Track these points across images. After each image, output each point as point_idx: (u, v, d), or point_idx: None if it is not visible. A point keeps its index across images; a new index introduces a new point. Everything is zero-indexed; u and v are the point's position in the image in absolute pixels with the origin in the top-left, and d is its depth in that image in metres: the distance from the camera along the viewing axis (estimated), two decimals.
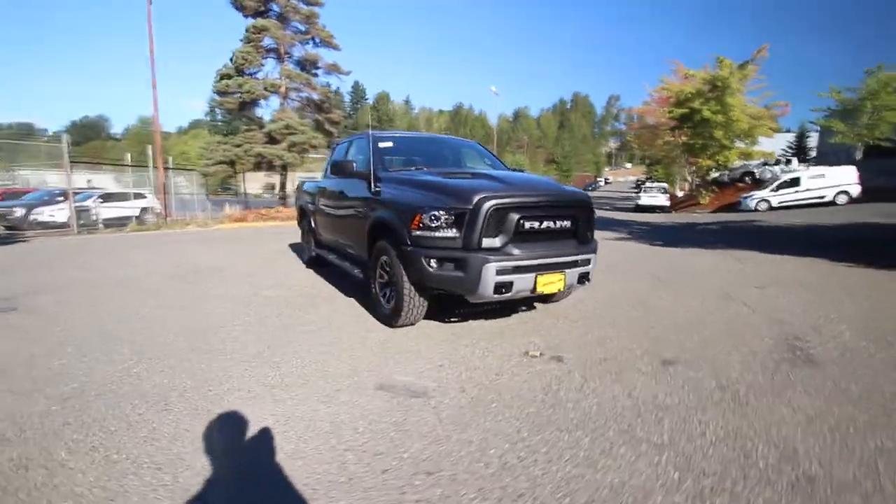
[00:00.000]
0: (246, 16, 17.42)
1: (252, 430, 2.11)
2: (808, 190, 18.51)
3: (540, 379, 2.70)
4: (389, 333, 3.53)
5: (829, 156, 33.83)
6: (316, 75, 19.10)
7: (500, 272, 3.08)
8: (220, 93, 16.31)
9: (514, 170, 5.18)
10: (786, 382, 2.66)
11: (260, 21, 16.46)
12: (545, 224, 3.32)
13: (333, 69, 18.82)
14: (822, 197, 18.37)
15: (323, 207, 5.52)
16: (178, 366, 2.87)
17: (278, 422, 2.19)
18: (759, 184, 23.31)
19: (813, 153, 39.98)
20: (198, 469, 1.82)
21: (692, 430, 2.14)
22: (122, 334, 3.49)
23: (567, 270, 3.37)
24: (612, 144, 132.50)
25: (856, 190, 18.07)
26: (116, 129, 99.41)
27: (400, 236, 3.35)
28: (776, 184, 19.52)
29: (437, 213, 3.13)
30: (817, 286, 5.34)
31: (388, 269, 3.69)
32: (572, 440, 2.04)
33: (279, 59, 18.11)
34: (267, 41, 16.93)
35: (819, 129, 42.41)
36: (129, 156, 14.11)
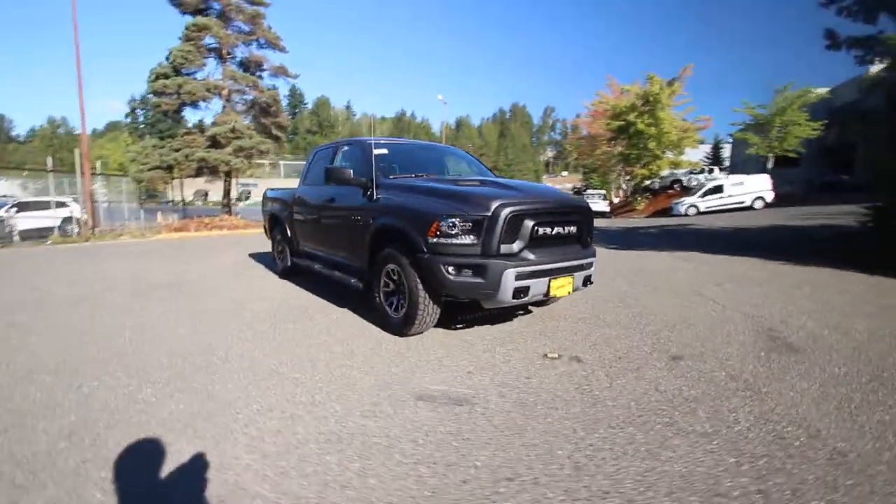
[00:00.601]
0: (184, 13, 16.35)
1: (306, 452, 2.00)
2: (730, 196, 20.49)
3: (569, 380, 2.78)
4: (402, 343, 3.46)
5: (740, 165, 37.86)
6: (261, 77, 18.32)
7: (518, 277, 3.14)
8: (157, 93, 15.08)
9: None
10: (782, 369, 2.94)
11: (201, 19, 15.48)
12: (556, 230, 3.44)
13: (280, 72, 18.13)
14: (742, 202, 20.41)
15: (305, 216, 5.32)
16: (189, 388, 2.64)
17: (329, 441, 2.08)
18: (686, 191, 25.44)
19: (727, 163, 44.37)
20: (271, 499, 1.70)
21: (725, 417, 2.31)
22: (108, 357, 3.14)
23: (575, 274, 3.51)
24: (549, 153, 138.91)
25: (770, 196, 20.27)
26: (19, 130, 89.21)
27: (414, 244, 3.32)
28: (703, 191, 21.42)
29: (455, 220, 3.14)
30: (765, 282, 5.93)
31: (394, 277, 3.63)
32: (627, 436, 2.13)
33: (221, 59, 17.14)
34: (209, 40, 15.97)
35: (732, 140, 47.14)
36: (49, 160, 12.63)
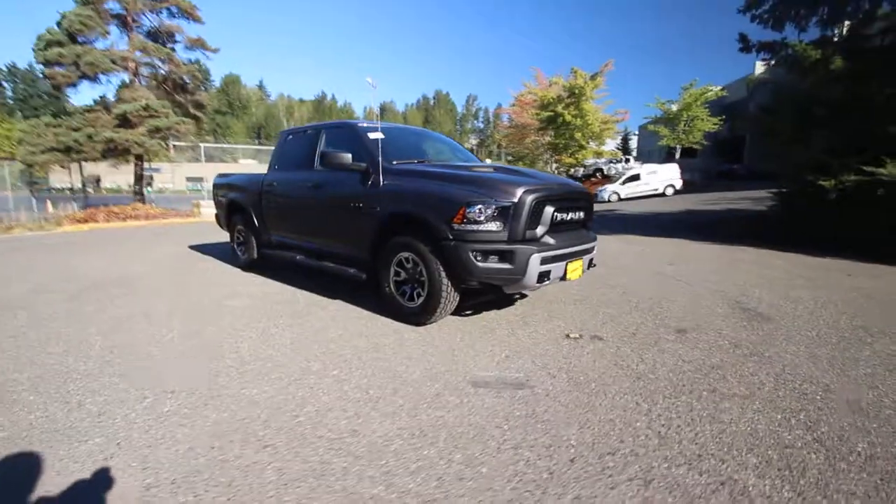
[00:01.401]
0: None
1: (399, 449, 1.91)
2: (647, 184, 22.45)
3: (603, 357, 2.93)
4: (423, 332, 3.40)
5: (646, 155, 41.72)
6: (173, 50, 16.41)
7: (542, 262, 3.22)
8: (48, 63, 12.83)
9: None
10: (768, 335, 3.35)
11: None
12: (570, 215, 3.56)
13: (198, 44, 16.29)
14: (656, 189, 22.47)
15: (281, 203, 4.94)
16: (223, 394, 2.38)
17: (415, 436, 2.01)
18: (607, 178, 27.44)
19: (634, 153, 48.49)
20: (394, 500, 1.61)
21: (752, 380, 2.59)
22: (94, 369, 2.72)
23: (584, 257, 3.67)
24: (473, 141, 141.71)
25: (679, 183, 22.53)
26: None
27: (437, 231, 3.25)
28: (623, 178, 23.24)
29: (482, 206, 3.12)
30: (706, 260, 6.65)
31: (408, 265, 3.54)
32: (685, 404, 2.31)
33: (126, 27, 15.05)
34: (111, 4, 13.90)
35: (638, 133, 51.45)
36: None
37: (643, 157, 40.20)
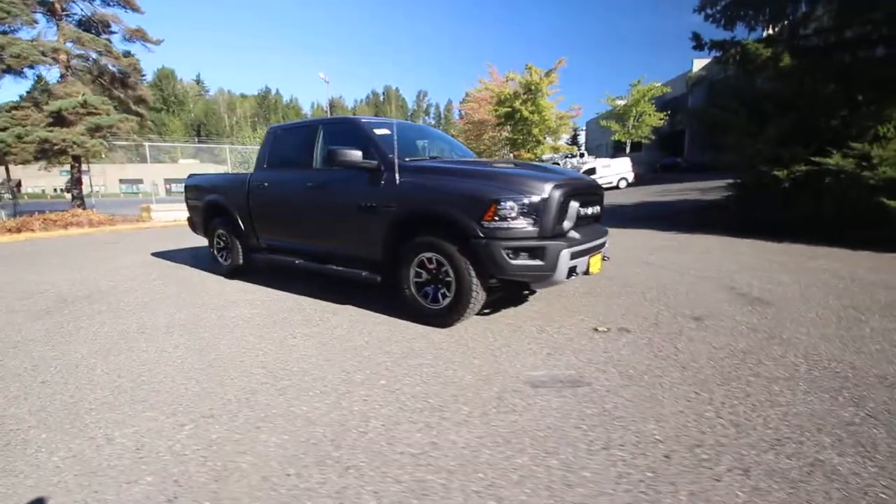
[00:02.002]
0: None
1: (490, 458, 1.83)
2: (602, 177, 23.34)
3: (640, 350, 2.97)
4: (452, 334, 3.31)
5: (594, 150, 43.49)
6: (110, 41, 15.08)
7: (571, 257, 3.23)
8: None
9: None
10: (776, 319, 3.54)
11: None
12: (590, 209, 3.60)
13: (137, 35, 15.02)
14: (610, 182, 23.43)
15: (274, 204, 4.66)
16: (271, 414, 2.19)
17: (499, 443, 1.94)
18: None
19: (583, 147, 50.36)
20: None
21: (786, 362, 2.72)
22: (108, 397, 2.41)
23: (601, 250, 3.73)
24: None
25: (631, 176, 23.62)
26: None
27: (466, 229, 3.16)
28: (581, 172, 24.03)
29: (513, 203, 3.08)
30: (681, 249, 7.00)
31: (430, 266, 3.44)
32: (740, 390, 2.38)
33: (54, 16, 13.63)
34: None
35: (585, 128, 53.47)
36: None
37: (591, 151, 41.86)
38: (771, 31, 9.88)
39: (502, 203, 3.07)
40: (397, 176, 3.54)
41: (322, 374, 2.66)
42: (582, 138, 57.36)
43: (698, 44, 10.92)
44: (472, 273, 3.22)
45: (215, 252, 5.61)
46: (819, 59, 8.87)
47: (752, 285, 4.63)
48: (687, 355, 2.85)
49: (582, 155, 32.45)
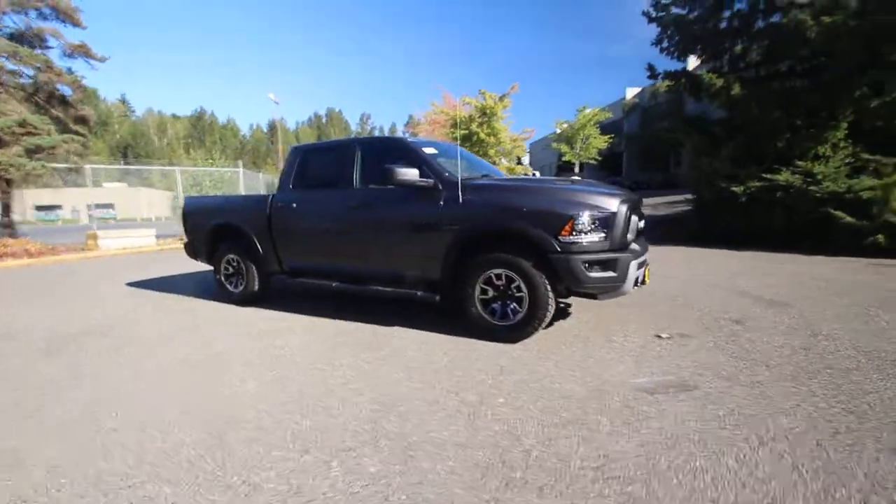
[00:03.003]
0: None
1: (672, 465, 1.87)
2: None
3: (713, 353, 3.15)
4: (525, 350, 3.32)
5: (537, 171, 45.56)
6: (48, 58, 13.82)
7: (637, 268, 3.39)
8: None
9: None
10: (802, 318, 3.90)
11: None
12: (642, 223, 3.80)
13: (81, 51, 13.88)
14: None
15: (309, 225, 4.47)
16: (413, 442, 2.08)
17: (665, 449, 1.98)
18: None
19: (532, 168, 52.46)
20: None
21: (845, 356, 3.00)
22: (209, 441, 2.18)
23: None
24: None
25: None
26: None
27: (542, 244, 3.23)
28: None
29: (588, 218, 3.20)
30: (667, 260, 7.50)
31: (498, 282, 3.46)
32: (829, 383, 2.59)
33: None
34: None
35: (529, 150, 55.81)
36: None
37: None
38: (716, 64, 11.01)
39: (578, 218, 3.18)
40: (460, 194, 3.55)
41: (432, 397, 2.57)
42: (526, 160, 59.85)
43: (652, 73, 11.95)
44: (548, 287, 3.28)
45: (222, 279, 5.24)
46: (760, 88, 10.02)
47: (758, 289, 5.05)
48: (762, 355, 3.06)
49: (535, 174, 33.87)
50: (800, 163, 8.92)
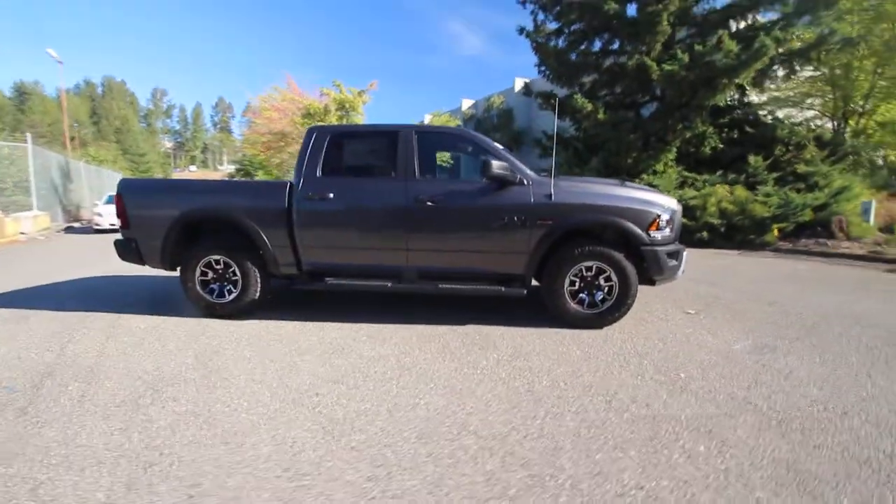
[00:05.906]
0: None
1: (858, 425, 2.47)
2: None
3: (752, 333, 3.80)
4: (610, 336, 3.60)
5: None
6: None
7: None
8: None
9: None
10: (811, 310, 5.19)
11: None
12: None
13: None
14: None
15: (359, 220, 3.91)
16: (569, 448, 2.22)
17: (835, 395, 2.59)
18: None
19: None
20: None
21: (867, 337, 3.80)
22: (354, 490, 1.89)
23: None
24: (168, 144, 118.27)
25: None
26: None
27: (636, 238, 3.62)
28: None
29: (667, 215, 3.73)
30: None
31: (587, 273, 3.72)
32: (879, 354, 3.32)
33: None
34: None
35: None
36: None
37: None
38: (582, 89, 13.17)
39: (661, 216, 3.69)
40: (552, 190, 3.68)
41: (573, 396, 2.58)
42: None
43: (527, 92, 13.62)
44: (636, 276, 3.70)
45: (197, 288, 4.07)
46: (618, 114, 12.45)
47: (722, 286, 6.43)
48: (797, 331, 3.75)
49: None
50: (644, 177, 11.44)
